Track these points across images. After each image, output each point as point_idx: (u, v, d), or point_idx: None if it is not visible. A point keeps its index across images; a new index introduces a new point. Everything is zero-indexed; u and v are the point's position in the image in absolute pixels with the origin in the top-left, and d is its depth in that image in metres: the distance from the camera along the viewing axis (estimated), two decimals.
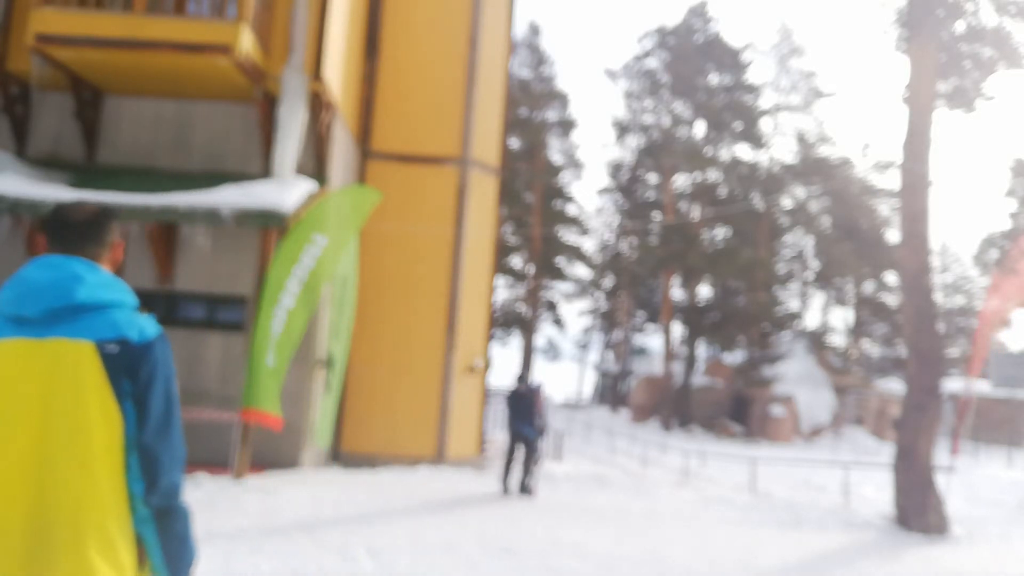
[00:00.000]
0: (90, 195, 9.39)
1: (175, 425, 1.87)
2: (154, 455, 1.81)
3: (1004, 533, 10.74)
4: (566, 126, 43.09)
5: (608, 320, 50.99)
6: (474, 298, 13.97)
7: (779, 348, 35.20)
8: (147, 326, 1.86)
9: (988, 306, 12.93)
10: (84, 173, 10.94)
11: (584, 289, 49.22)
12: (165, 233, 11.10)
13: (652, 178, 43.20)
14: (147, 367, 1.80)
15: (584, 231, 45.26)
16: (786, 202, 39.38)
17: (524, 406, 11.39)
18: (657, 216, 40.72)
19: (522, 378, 11.69)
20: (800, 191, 38.71)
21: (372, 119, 13.70)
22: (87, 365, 1.74)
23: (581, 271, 47.28)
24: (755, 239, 37.08)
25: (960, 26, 11.82)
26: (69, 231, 1.91)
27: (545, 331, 51.02)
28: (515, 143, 38.73)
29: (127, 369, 1.78)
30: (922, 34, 11.53)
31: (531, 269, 41.84)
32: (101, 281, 1.85)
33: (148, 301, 11.07)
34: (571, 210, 44.00)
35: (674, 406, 34.69)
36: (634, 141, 42.72)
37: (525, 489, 11.06)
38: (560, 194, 43.07)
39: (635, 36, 78.07)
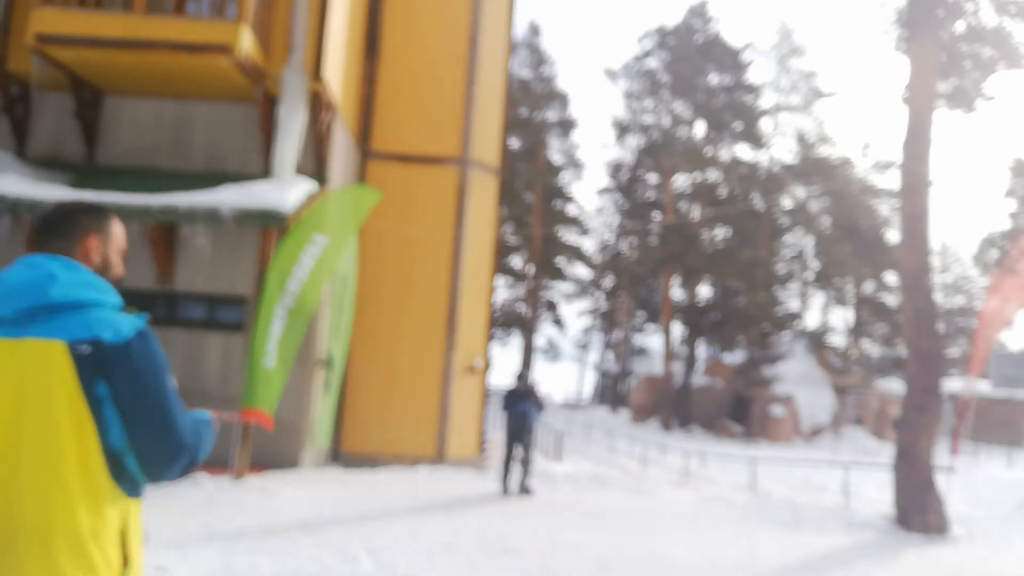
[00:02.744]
0: (90, 195, 9.39)
1: (171, 424, 1.77)
2: (149, 458, 1.76)
3: (1004, 533, 10.74)
4: (566, 126, 43.10)
5: (608, 320, 51.01)
6: (474, 298, 13.97)
7: (779, 348, 35.18)
8: (125, 325, 1.78)
9: (988, 306, 12.93)
10: (84, 173, 10.94)
11: (584, 289, 49.27)
12: (165, 233, 11.10)
13: (652, 178, 43.23)
14: (124, 368, 1.73)
15: (584, 231, 45.30)
16: (786, 202, 39.39)
17: (521, 405, 11.39)
18: (657, 216, 40.72)
19: (521, 376, 11.70)
20: (800, 191, 38.71)
21: (372, 119, 13.69)
22: (58, 365, 1.70)
23: (581, 271, 47.39)
24: (755, 239, 37.07)
25: (960, 26, 11.81)
26: (45, 230, 1.89)
27: (545, 331, 51.13)
28: (515, 143, 38.75)
29: (101, 370, 1.71)
30: (922, 34, 11.52)
31: (531, 269, 41.85)
32: (78, 280, 1.81)
33: (148, 301, 11.08)
34: (571, 210, 44.04)
35: (674, 406, 34.69)
36: (634, 141, 42.75)
37: (525, 489, 11.06)
38: (560, 194, 43.09)
39: (635, 36, 78.10)
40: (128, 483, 1.78)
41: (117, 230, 2.01)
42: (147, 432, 1.74)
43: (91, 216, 1.94)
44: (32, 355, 1.71)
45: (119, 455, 1.75)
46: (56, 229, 1.89)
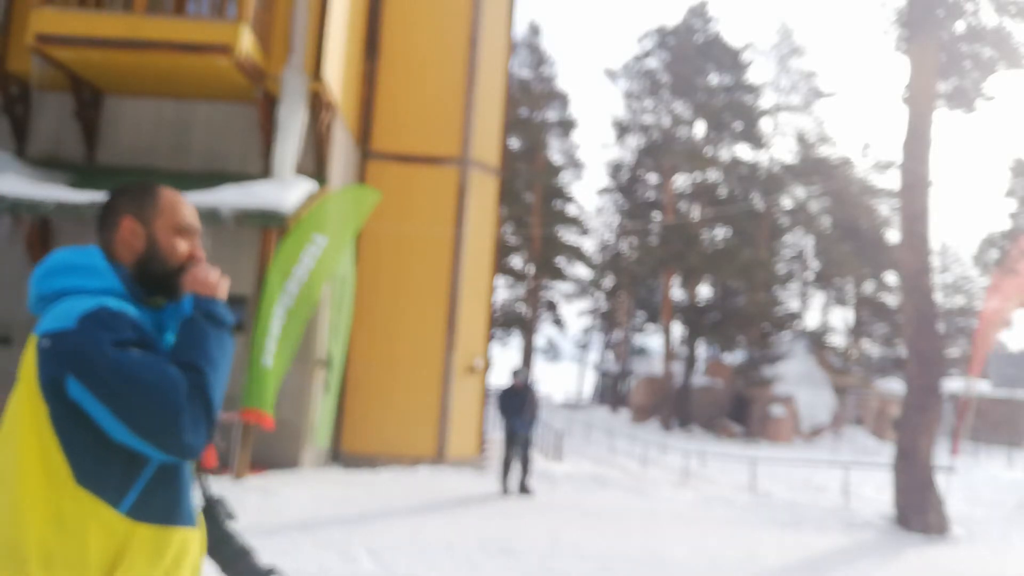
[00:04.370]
0: (90, 195, 9.40)
1: (146, 392, 1.45)
2: (155, 438, 1.46)
3: (1004, 533, 10.74)
4: (566, 126, 43.10)
5: (608, 320, 51.02)
6: (474, 298, 13.96)
7: (779, 348, 35.19)
8: (76, 310, 1.51)
9: (988, 306, 12.93)
10: (84, 173, 10.93)
11: (584, 289, 49.26)
12: None
13: (652, 178, 43.21)
14: (78, 356, 1.46)
15: (584, 231, 45.27)
16: (786, 202, 39.38)
17: (518, 403, 11.39)
18: (657, 216, 40.71)
19: (518, 373, 11.67)
20: (800, 191, 38.70)
21: (372, 119, 13.69)
22: (28, 362, 1.52)
23: (581, 271, 47.36)
24: (755, 239, 37.07)
25: (960, 26, 11.81)
26: (96, 224, 1.75)
27: (545, 331, 51.17)
28: (515, 143, 38.72)
29: (67, 364, 1.46)
30: (922, 34, 11.52)
31: (531, 269, 41.84)
32: (67, 266, 1.61)
33: None
34: (571, 210, 44.01)
35: (674, 406, 34.68)
36: (634, 141, 42.73)
37: (525, 489, 11.06)
38: (560, 194, 43.08)
39: (635, 36, 78.14)
40: (137, 504, 1.53)
41: (170, 205, 1.72)
42: (132, 412, 1.45)
43: (127, 197, 1.71)
44: (26, 353, 1.59)
45: (132, 448, 1.49)
46: (100, 220, 1.72)
